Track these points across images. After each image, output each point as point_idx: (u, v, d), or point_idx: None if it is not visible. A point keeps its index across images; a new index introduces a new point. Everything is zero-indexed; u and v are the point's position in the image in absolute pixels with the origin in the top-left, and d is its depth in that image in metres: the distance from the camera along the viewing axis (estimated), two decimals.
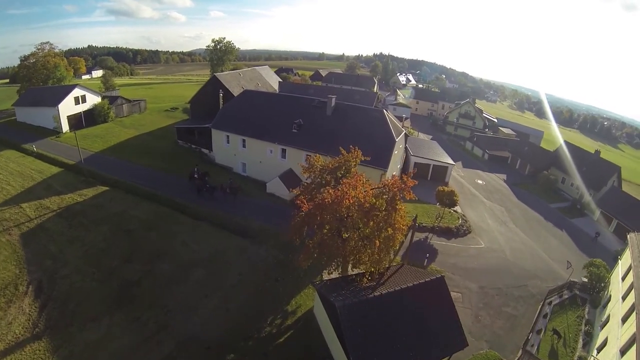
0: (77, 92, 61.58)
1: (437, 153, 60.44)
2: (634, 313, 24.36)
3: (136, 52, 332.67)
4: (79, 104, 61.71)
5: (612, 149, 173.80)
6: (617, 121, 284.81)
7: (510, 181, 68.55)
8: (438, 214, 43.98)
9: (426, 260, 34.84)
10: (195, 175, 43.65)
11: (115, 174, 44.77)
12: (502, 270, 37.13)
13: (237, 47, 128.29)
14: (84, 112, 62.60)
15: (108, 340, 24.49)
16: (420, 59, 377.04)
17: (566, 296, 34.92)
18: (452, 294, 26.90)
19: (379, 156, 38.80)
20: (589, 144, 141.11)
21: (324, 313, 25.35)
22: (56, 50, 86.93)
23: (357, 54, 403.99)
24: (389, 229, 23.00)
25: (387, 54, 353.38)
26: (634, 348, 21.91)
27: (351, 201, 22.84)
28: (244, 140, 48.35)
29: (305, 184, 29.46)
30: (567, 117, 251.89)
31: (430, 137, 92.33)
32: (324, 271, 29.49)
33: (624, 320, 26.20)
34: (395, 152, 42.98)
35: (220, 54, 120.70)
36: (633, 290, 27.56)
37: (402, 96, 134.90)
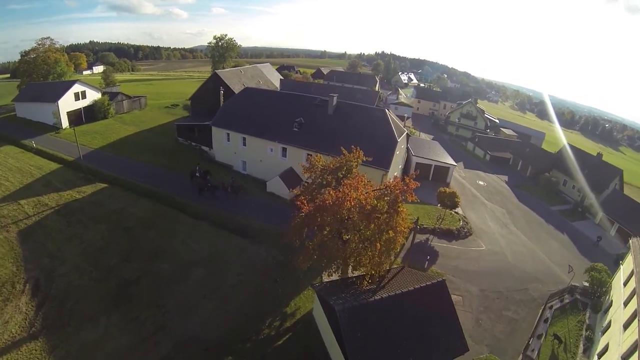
0: (77, 88, 61.21)
1: (438, 153, 60.15)
2: (636, 320, 24.16)
3: (138, 48, 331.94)
4: (79, 99, 61.37)
5: (613, 152, 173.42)
6: (619, 123, 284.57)
7: (511, 183, 68.25)
8: (439, 215, 43.70)
9: (427, 262, 34.62)
10: (197, 174, 43.36)
11: (115, 170, 44.51)
12: (503, 273, 36.91)
13: (238, 44, 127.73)
14: (84, 108, 62.27)
15: (105, 340, 24.33)
16: (423, 58, 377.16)
17: (567, 300, 34.67)
18: (453, 297, 26.70)
19: (381, 156, 38.44)
20: (590, 146, 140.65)
21: (323, 316, 25.12)
22: (57, 46, 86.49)
23: (359, 53, 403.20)
24: (390, 231, 22.71)
25: (389, 53, 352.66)
26: (636, 355, 21.72)
27: (352, 203, 22.55)
28: (244, 138, 48.01)
29: (306, 184, 29.17)
30: (569, 118, 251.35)
31: (432, 137, 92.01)
32: (324, 273, 29.23)
33: (626, 326, 26.01)
34: (397, 152, 42.66)
35: (222, 51, 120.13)
36: (635, 296, 27.39)
37: (404, 95, 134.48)
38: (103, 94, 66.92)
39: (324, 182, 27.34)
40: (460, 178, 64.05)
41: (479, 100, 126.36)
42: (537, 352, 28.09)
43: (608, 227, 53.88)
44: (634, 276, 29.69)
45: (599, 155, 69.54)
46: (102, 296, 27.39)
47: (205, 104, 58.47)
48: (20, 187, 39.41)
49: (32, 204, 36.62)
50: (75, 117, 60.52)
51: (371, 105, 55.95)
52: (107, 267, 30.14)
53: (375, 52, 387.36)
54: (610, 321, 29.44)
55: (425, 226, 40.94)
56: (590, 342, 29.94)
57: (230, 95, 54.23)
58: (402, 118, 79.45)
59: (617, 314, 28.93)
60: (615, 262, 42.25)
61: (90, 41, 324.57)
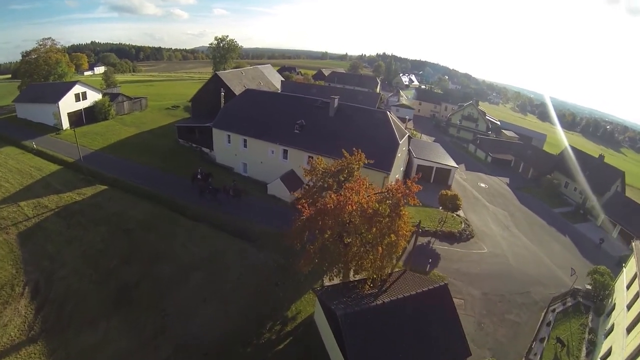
0: (77, 88, 61.15)
1: (440, 155, 59.98)
2: None
3: (139, 49, 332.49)
4: (80, 100, 61.28)
5: (614, 153, 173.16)
6: (620, 125, 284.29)
7: (513, 185, 68.02)
8: (441, 218, 43.48)
9: (429, 265, 34.43)
10: (199, 176, 43.18)
11: (115, 172, 44.36)
12: (505, 276, 36.67)
13: (240, 45, 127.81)
14: (85, 109, 62.15)
15: (105, 344, 24.19)
16: (424, 60, 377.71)
17: (570, 303, 34.43)
18: (455, 300, 26.44)
19: (382, 159, 38.23)
20: (591, 148, 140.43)
21: (324, 320, 24.92)
22: (58, 46, 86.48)
23: (360, 54, 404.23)
24: (392, 235, 22.51)
25: (390, 54, 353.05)
26: None
27: (354, 207, 22.35)
28: (245, 140, 47.86)
29: (307, 187, 28.96)
30: (570, 120, 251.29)
31: (433, 139, 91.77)
32: (325, 277, 29.02)
33: (629, 330, 25.81)
34: (399, 154, 42.49)
35: (223, 52, 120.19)
36: (638, 299, 27.20)
37: (405, 97, 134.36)
38: (104, 95, 66.82)
39: (325, 185, 27.15)
40: (462, 180, 63.85)
41: (480, 102, 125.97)
42: (539, 356, 27.90)
43: (610, 229, 53.62)
44: (637, 279, 29.49)
45: (601, 157, 69.36)
46: (101, 299, 27.24)
47: (206, 105, 58.31)
48: (20, 189, 39.26)
49: (32, 206, 36.46)
50: (76, 118, 60.39)
51: (372, 107, 55.85)
52: (106, 269, 29.97)
53: (377, 54, 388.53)
54: (613, 324, 29.22)
55: (426, 229, 40.69)
56: (593, 346, 29.74)
57: (231, 97, 54.08)
58: (403, 120, 79.33)
59: (620, 317, 28.70)
60: (617, 264, 42.07)
61: (91, 42, 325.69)
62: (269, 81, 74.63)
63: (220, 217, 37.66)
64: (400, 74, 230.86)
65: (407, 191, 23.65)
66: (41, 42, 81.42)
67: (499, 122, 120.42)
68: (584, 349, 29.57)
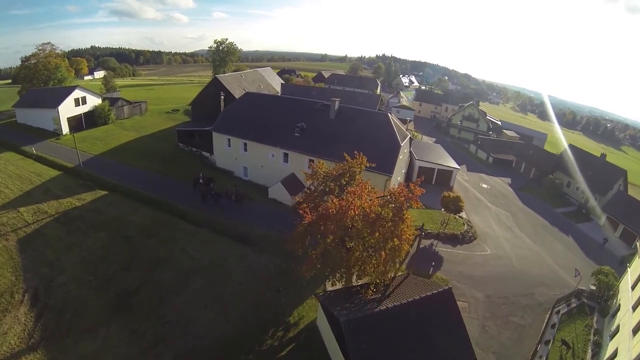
0: (77, 93, 60.99)
1: (441, 157, 59.76)
2: None
3: (139, 53, 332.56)
4: (79, 105, 61.16)
5: (615, 151, 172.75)
6: (620, 123, 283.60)
7: (515, 185, 67.74)
8: (443, 220, 43.21)
9: (432, 268, 34.16)
10: (201, 181, 42.94)
11: (115, 177, 44.18)
12: (509, 278, 36.37)
13: (239, 48, 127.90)
14: (84, 113, 62.05)
15: (104, 352, 23.93)
16: (423, 61, 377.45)
17: (574, 305, 34.15)
18: (458, 303, 26.07)
19: (384, 161, 38.04)
20: (592, 146, 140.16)
21: (327, 326, 24.64)
22: (57, 51, 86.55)
23: (360, 56, 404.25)
24: (395, 239, 22.23)
25: (389, 56, 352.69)
26: None
27: (356, 212, 22.08)
28: (245, 144, 47.64)
29: (308, 191, 28.70)
30: (570, 119, 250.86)
31: (434, 139, 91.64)
32: (327, 282, 28.74)
33: (635, 331, 25.51)
34: (400, 156, 42.23)
35: (223, 55, 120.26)
36: None
37: (405, 98, 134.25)
38: (103, 99, 66.76)
39: (327, 189, 26.87)
40: (464, 181, 63.58)
41: (480, 102, 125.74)
42: (545, 358, 27.70)
43: (613, 229, 53.29)
44: None
45: (603, 156, 69.01)
46: (101, 306, 27.00)
47: (206, 109, 58.15)
48: (20, 195, 39.09)
49: (32, 212, 36.28)
50: (76, 123, 60.36)
51: (373, 109, 55.61)
52: (106, 276, 29.72)
53: (376, 55, 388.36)
54: (618, 325, 28.95)
55: (429, 231, 40.40)
56: (598, 347, 29.46)
57: (231, 100, 53.92)
58: (404, 121, 79.17)
59: (626, 318, 28.43)
60: (620, 264, 41.94)
61: (91, 46, 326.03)
62: (269, 84, 74.49)
63: (220, 222, 37.38)
64: (400, 75, 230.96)
65: (410, 194, 23.39)
66: (40, 47, 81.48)
67: (499, 122, 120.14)
68: (589, 350, 29.28)
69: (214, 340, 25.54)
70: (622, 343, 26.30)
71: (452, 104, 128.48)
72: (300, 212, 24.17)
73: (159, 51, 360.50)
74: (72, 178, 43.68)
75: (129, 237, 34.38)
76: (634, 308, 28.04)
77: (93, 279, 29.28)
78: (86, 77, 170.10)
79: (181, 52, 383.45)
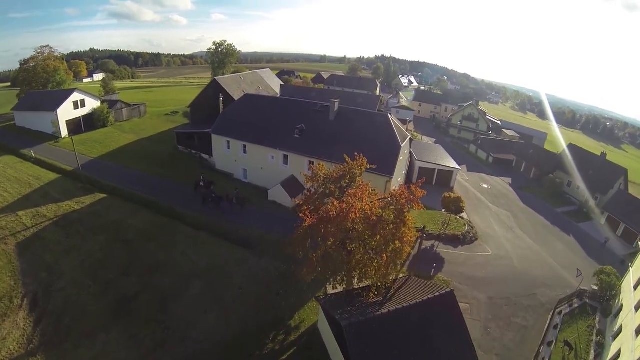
0: (76, 96, 60.91)
1: (441, 157, 59.61)
2: None
3: (138, 55, 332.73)
4: (78, 108, 61.07)
5: (615, 150, 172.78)
6: (620, 121, 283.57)
7: (515, 185, 67.56)
8: (444, 220, 43.01)
9: (433, 270, 34.02)
10: (201, 184, 42.77)
11: (114, 180, 44.04)
12: (510, 279, 36.19)
13: (238, 49, 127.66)
14: (83, 116, 61.94)
15: (103, 357, 23.78)
16: (422, 61, 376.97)
17: (576, 305, 33.98)
18: (460, 304, 25.92)
19: (384, 162, 37.87)
20: (592, 145, 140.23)
21: (328, 329, 24.45)
22: (56, 54, 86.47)
23: (359, 56, 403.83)
24: (397, 242, 22.04)
25: (388, 56, 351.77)
26: None
27: (357, 215, 21.87)
28: (244, 146, 47.46)
29: (308, 193, 28.50)
30: (570, 118, 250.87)
31: (434, 140, 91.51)
32: (328, 284, 28.56)
33: (638, 332, 25.34)
34: (401, 157, 42.04)
35: (222, 57, 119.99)
36: None
37: (405, 99, 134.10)
38: (102, 102, 66.63)
39: (327, 192, 26.67)
40: (464, 181, 63.40)
41: (479, 102, 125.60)
42: None
43: (614, 228, 53.15)
44: None
45: (603, 155, 68.88)
46: (100, 311, 26.79)
47: (205, 111, 58.04)
48: (19, 198, 39.00)
49: (31, 216, 36.16)
50: (75, 126, 60.27)
51: (373, 110, 55.46)
52: (105, 281, 29.52)
53: (375, 56, 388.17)
54: (621, 326, 28.77)
55: (430, 232, 40.19)
56: (601, 348, 29.31)
57: (230, 102, 53.77)
58: (403, 122, 79.00)
59: (629, 318, 28.25)
60: (621, 263, 41.87)
61: (90, 49, 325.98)
62: (268, 85, 74.37)
63: (220, 225, 37.19)
64: (400, 76, 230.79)
65: (412, 196, 23.21)
66: (39, 50, 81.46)
67: (499, 122, 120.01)
68: (592, 351, 29.16)
69: (214, 344, 25.34)
70: (625, 344, 26.14)
71: (451, 104, 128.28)
72: (301, 215, 23.97)
73: (158, 53, 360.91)
74: (71, 181, 43.55)
75: (128, 240, 34.21)
76: (637, 308, 27.88)
77: (92, 284, 29.08)
78: (85, 80, 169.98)
79: (180, 54, 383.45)
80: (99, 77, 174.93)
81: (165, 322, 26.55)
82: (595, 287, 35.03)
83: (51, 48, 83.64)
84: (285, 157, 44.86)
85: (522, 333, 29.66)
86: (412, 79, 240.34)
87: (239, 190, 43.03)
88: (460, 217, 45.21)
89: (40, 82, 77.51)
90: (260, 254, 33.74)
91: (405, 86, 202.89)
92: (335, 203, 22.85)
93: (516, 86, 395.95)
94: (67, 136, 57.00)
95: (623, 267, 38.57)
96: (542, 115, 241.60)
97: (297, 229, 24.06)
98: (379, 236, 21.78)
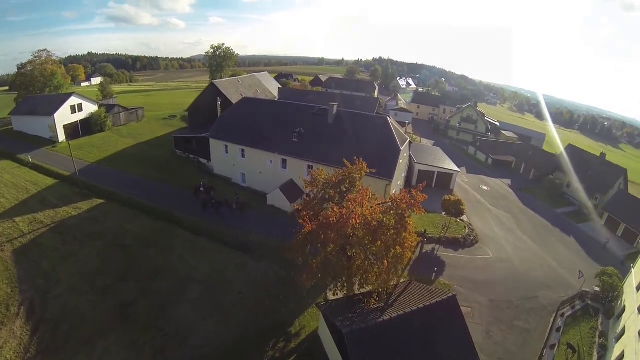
0: (73, 100, 60.74)
1: (441, 159, 59.46)
2: None
3: (136, 59, 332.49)
4: (76, 112, 60.93)
5: (613, 150, 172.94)
6: (618, 121, 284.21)
7: (515, 186, 67.45)
8: (444, 224, 42.81)
9: (434, 274, 33.79)
10: (202, 189, 42.51)
11: (111, 185, 43.78)
12: (512, 281, 36.02)
13: (236, 53, 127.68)
14: (81, 121, 61.82)
15: None
16: (420, 63, 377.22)
17: (578, 307, 33.77)
18: (462, 308, 25.66)
19: (384, 166, 37.58)
20: (590, 145, 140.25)
21: (329, 336, 24.13)
22: (54, 58, 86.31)
23: (357, 59, 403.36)
24: (398, 247, 21.77)
25: (386, 58, 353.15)
26: None
27: (358, 220, 21.59)
28: (242, 150, 47.20)
29: (307, 198, 28.22)
30: (568, 118, 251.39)
31: (433, 142, 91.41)
32: (328, 290, 28.29)
33: None
34: (400, 161, 41.79)
35: (220, 60, 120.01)
36: None
37: (403, 101, 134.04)
38: (100, 106, 66.38)
39: (327, 197, 26.36)
40: (464, 184, 63.26)
41: (478, 103, 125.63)
42: None
43: (614, 228, 53.00)
44: None
45: (603, 155, 68.84)
46: (98, 319, 26.40)
47: (203, 115, 57.86)
48: (16, 204, 38.77)
49: (28, 222, 35.89)
50: (72, 131, 60.12)
51: (372, 113, 55.28)
52: (103, 287, 29.16)
53: (373, 58, 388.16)
54: (624, 328, 28.56)
55: (430, 235, 40.01)
56: (604, 350, 29.08)
57: (228, 106, 53.53)
58: (402, 124, 78.86)
59: (631, 320, 28.05)
60: (622, 263, 41.87)
61: (88, 52, 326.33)
62: (266, 89, 74.21)
63: (219, 230, 36.90)
64: (398, 78, 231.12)
65: (412, 201, 22.95)
66: (36, 54, 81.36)
67: (498, 123, 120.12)
68: (595, 353, 28.92)
69: (213, 350, 25.01)
70: (628, 346, 25.93)
71: (449, 105, 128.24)
72: (300, 221, 23.66)
73: (156, 57, 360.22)
74: (68, 186, 43.30)
75: (126, 246, 33.88)
76: None
77: (90, 290, 28.74)
78: (83, 84, 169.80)
79: (178, 57, 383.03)
80: (96, 81, 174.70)
81: (164, 328, 26.20)
82: (597, 289, 34.84)
83: (49, 52, 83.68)
84: (284, 161, 44.59)
85: (525, 336, 29.42)
86: (410, 80, 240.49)
87: (239, 195, 42.75)
88: (460, 219, 44.97)
89: (38, 86, 77.40)
90: (260, 259, 33.45)
91: (403, 88, 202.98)
92: (335, 209, 22.55)
93: (514, 87, 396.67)
94: (65, 141, 56.74)
95: (624, 267, 38.45)
96: (540, 116, 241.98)
97: (296, 234, 23.78)
98: (379, 242, 21.50)
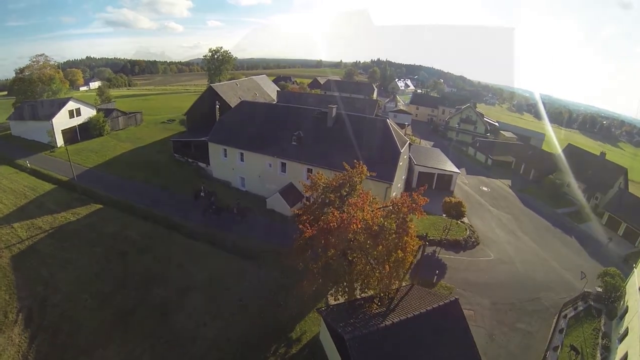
0: (71, 105, 60.63)
1: (441, 161, 59.21)
2: None
3: (134, 63, 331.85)
4: (74, 117, 60.81)
5: (612, 149, 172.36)
6: (616, 120, 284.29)
7: (515, 187, 67.16)
8: (445, 226, 42.59)
9: (435, 277, 33.55)
10: (202, 194, 42.20)
11: (110, 190, 43.59)
12: (513, 283, 35.75)
13: (234, 56, 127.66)
14: (79, 125, 61.67)
15: None
16: (418, 64, 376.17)
17: (581, 308, 33.53)
18: (464, 311, 25.38)
19: (384, 169, 37.38)
20: (589, 144, 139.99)
21: (330, 341, 23.85)
22: (52, 63, 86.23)
23: (355, 61, 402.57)
24: (400, 251, 21.53)
25: (384, 60, 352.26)
26: None
27: (359, 225, 21.34)
28: (241, 154, 46.92)
29: (307, 203, 27.97)
30: (566, 117, 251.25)
31: (432, 143, 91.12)
32: (329, 296, 28.03)
33: None
34: (400, 163, 41.57)
35: (218, 64, 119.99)
36: None
37: (402, 102, 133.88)
38: (98, 110, 66.23)
39: (327, 201, 26.08)
40: (464, 185, 63.01)
41: (476, 104, 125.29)
42: None
43: (615, 228, 52.79)
44: None
45: (602, 154, 68.67)
46: (97, 326, 26.20)
47: (202, 118, 57.69)
48: (14, 210, 38.63)
49: (26, 227, 35.74)
50: (70, 135, 59.98)
51: (371, 116, 55.07)
52: (102, 294, 28.95)
53: (371, 60, 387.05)
54: (627, 328, 28.33)
55: (431, 238, 39.75)
56: (607, 352, 28.85)
57: (227, 109, 53.32)
58: (401, 126, 78.59)
59: (634, 322, 27.82)
60: (624, 262, 41.68)
61: (87, 57, 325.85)
62: (265, 92, 74.07)
63: (218, 235, 36.71)
64: (396, 79, 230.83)
65: (414, 205, 22.72)
66: (34, 59, 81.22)
67: (497, 124, 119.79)
68: (598, 355, 28.64)
69: (214, 358, 24.76)
70: (632, 347, 25.68)
71: (448, 106, 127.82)
72: (300, 226, 23.38)
73: (154, 61, 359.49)
74: (66, 192, 43.13)
75: (125, 252, 33.65)
76: None
77: (88, 298, 28.53)
78: (82, 88, 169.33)
79: (176, 61, 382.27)
80: (95, 85, 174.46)
81: (163, 336, 25.96)
82: (600, 289, 34.58)
83: (46, 57, 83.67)
84: (283, 164, 44.33)
85: (528, 339, 29.18)
86: (409, 82, 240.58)
87: (240, 201, 42.48)
88: (461, 221, 44.74)
89: (36, 91, 77.23)
90: (260, 264, 33.22)
91: (402, 89, 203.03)
92: (335, 213, 22.31)
93: (512, 87, 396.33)
94: (63, 145, 56.55)
95: (626, 267, 38.28)
96: (538, 115, 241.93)
97: (296, 239, 23.52)
98: (381, 246, 21.26)
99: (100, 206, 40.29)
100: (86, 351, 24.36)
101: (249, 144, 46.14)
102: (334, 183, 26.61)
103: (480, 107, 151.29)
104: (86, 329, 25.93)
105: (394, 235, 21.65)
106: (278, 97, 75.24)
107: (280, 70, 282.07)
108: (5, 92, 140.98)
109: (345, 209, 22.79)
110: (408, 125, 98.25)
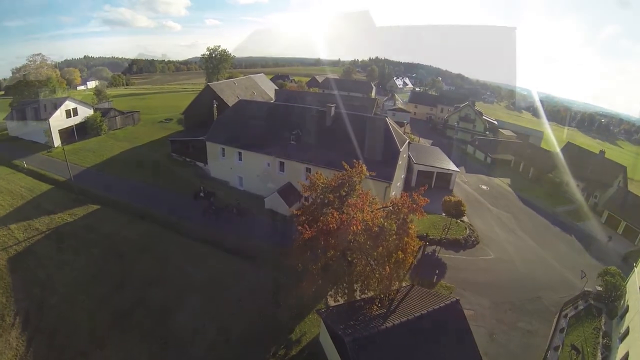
0: (68, 105, 60.42)
1: (440, 159, 59.00)
2: None
3: (132, 62, 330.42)
4: (71, 117, 60.62)
5: (611, 146, 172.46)
6: (615, 118, 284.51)
7: (514, 185, 67.03)
8: (445, 225, 42.42)
9: (435, 277, 33.39)
10: (201, 194, 41.92)
11: (107, 190, 43.40)
12: (514, 283, 35.64)
13: (232, 55, 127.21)
14: (76, 125, 61.42)
15: None
16: (416, 62, 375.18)
17: (581, 307, 33.44)
18: (465, 311, 25.20)
19: (384, 168, 37.11)
20: (588, 142, 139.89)
21: (330, 342, 23.65)
22: (49, 62, 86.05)
23: (353, 59, 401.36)
24: (400, 252, 21.32)
25: (382, 58, 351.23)
26: None
27: (359, 226, 21.10)
28: (239, 153, 46.62)
29: (306, 204, 27.69)
30: (564, 115, 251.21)
31: (431, 142, 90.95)
32: (329, 297, 27.80)
33: None
34: (400, 162, 41.35)
35: (216, 62, 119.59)
36: None
37: (400, 100, 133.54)
38: (95, 110, 65.95)
39: (326, 201, 25.78)
40: (463, 183, 62.85)
41: (475, 102, 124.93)
42: None
43: (615, 226, 52.74)
44: None
45: (602, 152, 68.60)
46: (94, 328, 25.99)
47: (199, 117, 57.41)
48: (11, 211, 38.43)
49: (23, 229, 35.53)
50: (68, 135, 59.76)
51: (370, 114, 54.75)
52: (99, 296, 28.73)
53: (369, 58, 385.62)
54: (628, 328, 28.22)
55: (431, 237, 39.49)
56: (608, 351, 28.78)
57: (225, 108, 53.02)
58: (400, 124, 78.37)
59: (635, 321, 27.73)
60: (624, 261, 41.65)
61: (84, 56, 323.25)
62: (263, 90, 73.79)
63: (217, 235, 36.45)
64: (394, 78, 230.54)
65: (414, 205, 22.49)
66: (31, 59, 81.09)
67: (496, 122, 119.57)
68: (599, 354, 28.53)
69: (213, 358, 24.58)
70: (633, 347, 25.63)
71: (447, 105, 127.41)
72: (299, 227, 23.12)
73: (152, 59, 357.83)
74: (63, 192, 42.93)
75: (122, 253, 33.42)
76: None
77: (86, 299, 28.32)
78: (80, 87, 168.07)
79: (174, 60, 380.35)
80: (92, 84, 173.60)
81: (162, 337, 25.76)
82: (600, 288, 34.48)
83: (43, 56, 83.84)
84: (282, 164, 44.08)
85: (528, 338, 29.08)
86: (407, 80, 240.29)
87: (239, 201, 42.20)
88: (461, 220, 44.56)
89: (33, 90, 76.90)
90: (259, 265, 32.97)
91: (400, 88, 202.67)
92: (335, 214, 22.06)
93: (510, 85, 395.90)
94: (60, 145, 56.30)
95: (626, 265, 38.21)
96: (537, 113, 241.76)
97: (295, 240, 23.27)
98: (381, 247, 21.05)
99: (98, 206, 40.03)
100: (84, 353, 24.17)
101: (247, 143, 45.83)
102: (333, 183, 26.22)
103: (479, 105, 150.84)
104: (84, 331, 25.75)
105: (394, 236, 21.44)
106: (276, 95, 74.76)
107: (278, 69, 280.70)
108: (2, 92, 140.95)
109: (345, 210, 22.54)
110: (407, 123, 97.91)
